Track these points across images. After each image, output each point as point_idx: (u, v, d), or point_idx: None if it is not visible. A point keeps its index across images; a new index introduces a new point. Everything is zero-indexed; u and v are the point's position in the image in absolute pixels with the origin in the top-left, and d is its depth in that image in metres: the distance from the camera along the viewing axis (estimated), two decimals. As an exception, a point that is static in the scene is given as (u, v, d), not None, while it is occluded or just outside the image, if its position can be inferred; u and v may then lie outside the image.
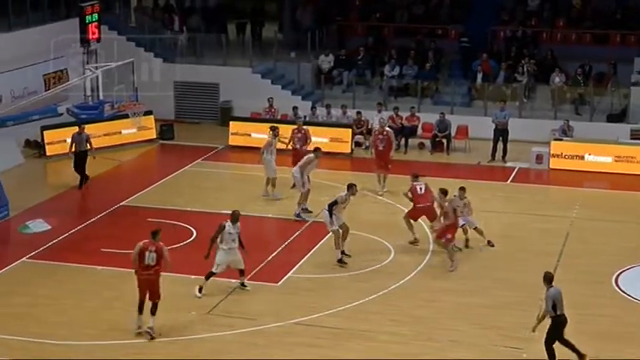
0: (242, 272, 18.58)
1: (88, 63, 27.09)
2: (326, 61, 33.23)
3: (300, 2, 35.73)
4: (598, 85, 31.06)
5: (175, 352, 16.21)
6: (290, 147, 25.71)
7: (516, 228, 22.65)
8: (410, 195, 21.24)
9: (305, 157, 22.93)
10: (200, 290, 18.27)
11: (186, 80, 32.78)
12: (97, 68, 23.32)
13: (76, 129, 24.94)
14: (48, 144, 27.91)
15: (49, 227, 22.20)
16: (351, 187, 20.40)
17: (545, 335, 15.43)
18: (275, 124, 24.88)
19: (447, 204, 20.14)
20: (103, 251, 20.49)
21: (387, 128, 24.94)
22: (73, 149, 24.82)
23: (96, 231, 22.07)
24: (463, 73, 32.88)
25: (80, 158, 24.92)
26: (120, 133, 29.12)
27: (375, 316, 17.48)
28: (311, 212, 22.50)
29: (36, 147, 28.57)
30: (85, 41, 28.15)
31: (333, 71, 33.17)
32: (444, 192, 20.42)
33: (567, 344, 15.46)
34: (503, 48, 33.20)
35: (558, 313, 15.25)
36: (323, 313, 17.62)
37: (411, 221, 21.27)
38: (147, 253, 16.50)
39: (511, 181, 26.65)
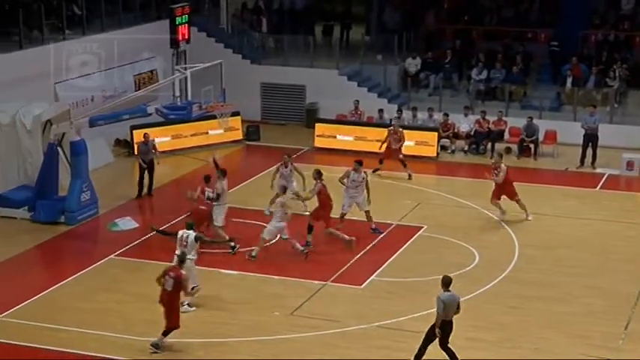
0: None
1: (177, 64, 27.47)
2: (413, 64, 33.06)
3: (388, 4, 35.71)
4: (693, 91, 30.31)
5: (260, 351, 16.28)
6: (383, 148, 26.47)
7: (605, 235, 22.18)
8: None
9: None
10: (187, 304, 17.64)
11: (272, 82, 33.01)
12: (185, 69, 23.55)
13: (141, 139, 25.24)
14: (137, 143, 28.40)
15: (137, 225, 22.55)
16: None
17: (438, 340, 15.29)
18: (289, 153, 24.17)
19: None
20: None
21: (503, 165, 23.14)
22: (140, 158, 24.92)
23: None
24: (552, 78, 32.37)
25: (149, 168, 24.97)
26: (207, 133, 29.46)
27: (458, 322, 17.20)
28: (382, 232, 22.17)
29: (125, 146, 29.10)
30: (174, 42, 28.57)
31: (420, 74, 32.99)
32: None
33: (423, 348, 15.33)
34: (594, 52, 32.60)
35: (444, 318, 15.10)
36: (406, 316, 17.52)
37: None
38: (166, 278, 16.06)
39: (600, 188, 26.11)
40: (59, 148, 23.03)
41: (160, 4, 32.26)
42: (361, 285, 19.11)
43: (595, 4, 34.05)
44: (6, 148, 23.53)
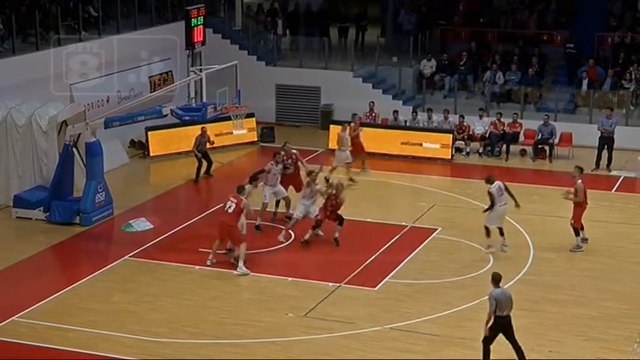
0: None
1: (192, 65, 27.52)
2: (428, 66, 33.04)
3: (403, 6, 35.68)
4: None
5: (274, 353, 16.27)
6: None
7: (621, 239, 22.09)
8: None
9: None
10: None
11: (287, 83, 33.04)
12: (201, 70, 23.60)
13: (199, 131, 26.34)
14: (152, 144, 28.50)
15: (152, 226, 22.58)
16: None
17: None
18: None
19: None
20: (201, 251, 20.75)
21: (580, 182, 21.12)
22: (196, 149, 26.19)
23: (196, 231, 22.34)
24: (568, 80, 32.26)
25: (204, 156, 26.42)
26: (222, 134, 29.41)
27: (473, 324, 17.21)
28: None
29: (140, 147, 29.16)
30: (190, 44, 28.63)
31: (435, 76, 32.95)
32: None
33: (488, 348, 15.34)
34: (610, 54, 32.47)
35: (499, 314, 15.12)
36: (420, 319, 17.47)
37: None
38: None
39: (616, 191, 26.01)
40: (74, 149, 23.10)
41: (175, 6, 32.35)
42: (375, 287, 19.07)
43: (611, 6, 33.92)
44: (22, 148, 23.67)
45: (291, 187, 22.84)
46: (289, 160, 23.11)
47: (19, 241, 21.78)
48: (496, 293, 15.18)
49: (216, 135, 28.96)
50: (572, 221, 21.01)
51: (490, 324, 15.19)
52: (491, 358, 15.38)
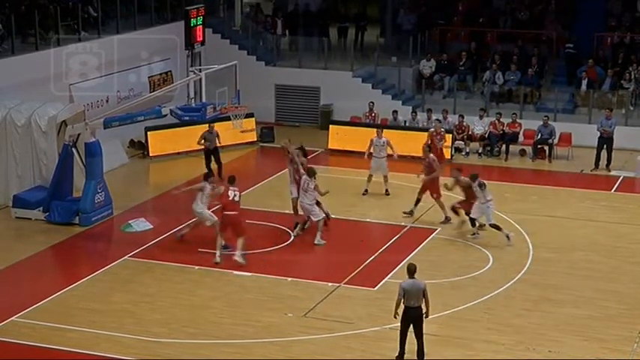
0: None
1: (192, 65, 27.53)
2: (427, 66, 33.04)
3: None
4: None
5: (273, 353, 16.27)
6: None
7: (621, 238, 22.09)
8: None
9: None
10: None
11: (287, 83, 33.05)
12: (200, 70, 23.61)
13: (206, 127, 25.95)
14: (151, 145, 28.51)
15: (151, 226, 22.57)
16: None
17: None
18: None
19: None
20: (200, 251, 20.74)
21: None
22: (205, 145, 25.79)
23: (194, 231, 22.31)
24: (567, 80, 32.26)
25: (214, 153, 26.01)
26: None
27: (472, 324, 17.26)
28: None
29: (140, 147, 29.16)
30: (189, 44, 28.63)
31: (435, 76, 32.95)
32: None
33: (402, 338, 15.56)
34: (609, 54, 32.47)
35: (408, 304, 15.38)
36: (419, 319, 17.46)
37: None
38: None
39: (615, 191, 26.02)
40: (74, 149, 23.10)
41: (174, 6, 32.36)
42: (375, 287, 19.07)
43: (610, 6, 33.94)
44: (21, 149, 23.66)
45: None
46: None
47: (18, 242, 21.78)
48: (406, 284, 15.45)
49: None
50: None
51: (400, 314, 15.47)
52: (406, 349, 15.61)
